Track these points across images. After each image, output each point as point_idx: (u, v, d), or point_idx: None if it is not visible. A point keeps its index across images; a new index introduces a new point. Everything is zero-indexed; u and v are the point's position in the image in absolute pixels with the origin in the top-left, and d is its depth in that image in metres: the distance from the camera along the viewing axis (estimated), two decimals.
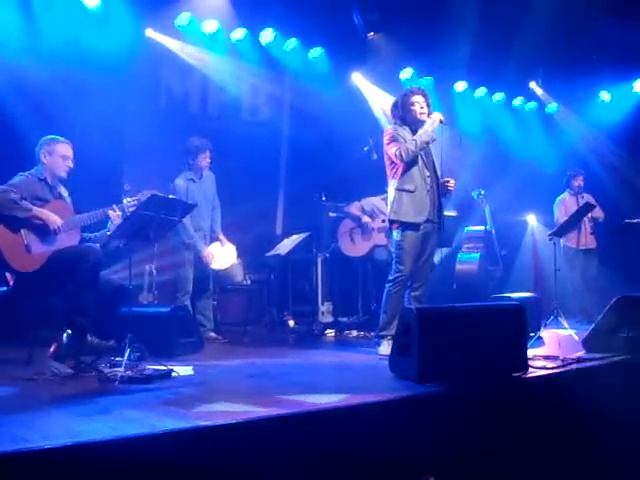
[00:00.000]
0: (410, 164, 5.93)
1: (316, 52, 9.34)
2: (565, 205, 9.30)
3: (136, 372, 4.57)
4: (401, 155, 5.86)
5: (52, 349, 4.91)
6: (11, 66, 6.73)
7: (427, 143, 5.96)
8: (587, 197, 9.11)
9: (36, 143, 5.50)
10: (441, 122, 5.99)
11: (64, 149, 5.48)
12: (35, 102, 6.76)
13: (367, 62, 9.74)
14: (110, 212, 5.43)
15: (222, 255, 7.34)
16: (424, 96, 6.12)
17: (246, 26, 8.66)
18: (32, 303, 5.30)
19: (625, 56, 9.90)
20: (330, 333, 7.91)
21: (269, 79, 9.26)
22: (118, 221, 5.38)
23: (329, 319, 8.36)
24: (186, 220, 6.53)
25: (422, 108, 6.05)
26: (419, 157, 5.97)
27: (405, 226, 5.91)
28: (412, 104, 6.06)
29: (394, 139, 5.97)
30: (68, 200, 5.56)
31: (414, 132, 6.00)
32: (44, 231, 5.17)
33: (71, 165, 5.50)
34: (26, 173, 5.36)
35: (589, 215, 8.87)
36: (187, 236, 7.07)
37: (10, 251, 5.04)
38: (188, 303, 7.05)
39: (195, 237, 7.11)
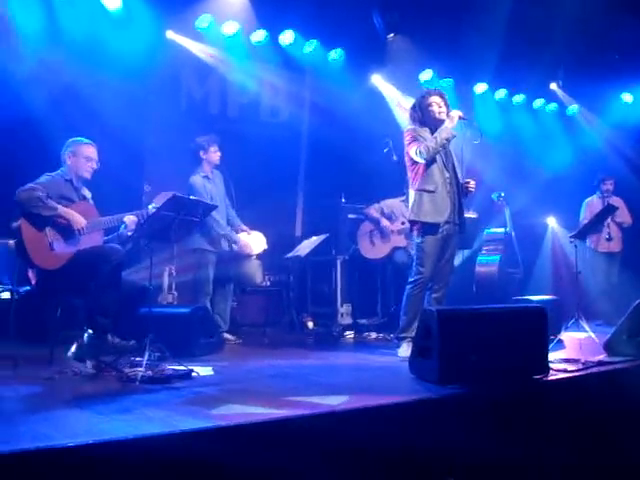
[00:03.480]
0: (430, 164, 5.92)
1: (336, 54, 9.35)
2: (591, 207, 9.29)
3: (156, 372, 4.59)
4: (422, 153, 5.85)
5: (73, 349, 4.94)
6: (34, 69, 6.81)
7: (448, 140, 5.94)
8: (615, 200, 9.05)
9: (61, 145, 5.56)
10: (460, 118, 5.98)
11: (88, 150, 5.54)
12: (59, 104, 6.84)
13: (387, 64, 9.71)
14: (126, 218, 5.48)
15: (255, 241, 7.38)
16: (441, 96, 6.12)
17: (266, 28, 8.67)
18: (54, 303, 5.34)
19: None
20: (349, 335, 7.91)
21: (289, 80, 9.26)
22: (132, 227, 5.43)
23: (348, 321, 8.36)
24: (215, 214, 6.64)
25: (440, 107, 6.05)
26: (439, 158, 5.96)
27: (426, 227, 5.90)
28: (430, 105, 6.06)
29: (415, 139, 5.96)
30: (91, 201, 5.61)
31: (434, 132, 5.99)
32: (68, 231, 5.22)
33: (95, 167, 5.57)
34: (53, 173, 5.43)
35: (613, 219, 8.83)
36: (220, 228, 7.10)
37: (34, 247, 5.09)
38: (208, 304, 7.06)
39: (228, 229, 7.16)
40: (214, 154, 7.27)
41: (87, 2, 7.28)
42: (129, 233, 5.50)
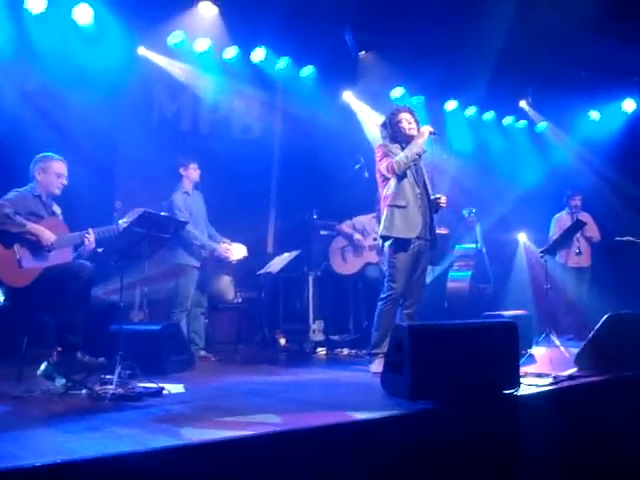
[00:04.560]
0: (401, 179, 5.96)
1: (307, 71, 9.38)
2: (560, 223, 9.41)
3: (127, 390, 4.55)
4: (393, 168, 5.89)
5: (43, 366, 4.88)
6: (3, 84, 6.73)
7: (418, 154, 6.00)
8: (583, 216, 9.16)
9: (30, 160, 5.51)
10: (431, 134, 6.05)
11: (58, 167, 5.51)
12: (28, 119, 6.77)
13: (358, 81, 9.75)
14: (86, 235, 5.43)
15: (236, 249, 7.44)
16: (411, 113, 6.20)
17: (238, 44, 8.67)
18: (23, 320, 5.28)
19: (613, 75, 9.98)
20: (321, 351, 7.91)
21: (260, 97, 9.28)
22: (93, 245, 5.39)
23: (320, 337, 8.34)
24: (191, 228, 6.85)
25: (410, 124, 6.12)
26: (410, 174, 6.01)
27: (398, 243, 5.93)
28: (400, 121, 6.13)
29: (386, 154, 6.01)
30: (61, 217, 5.56)
31: (405, 149, 6.03)
32: (37, 247, 5.17)
33: (65, 183, 5.53)
34: (21, 189, 5.38)
35: (582, 234, 8.94)
36: (197, 240, 7.15)
37: (2, 265, 5.04)
38: (184, 320, 7.05)
39: (201, 236, 7.20)
40: (194, 171, 7.37)
41: (58, 17, 7.20)
42: (88, 248, 5.45)
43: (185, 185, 7.33)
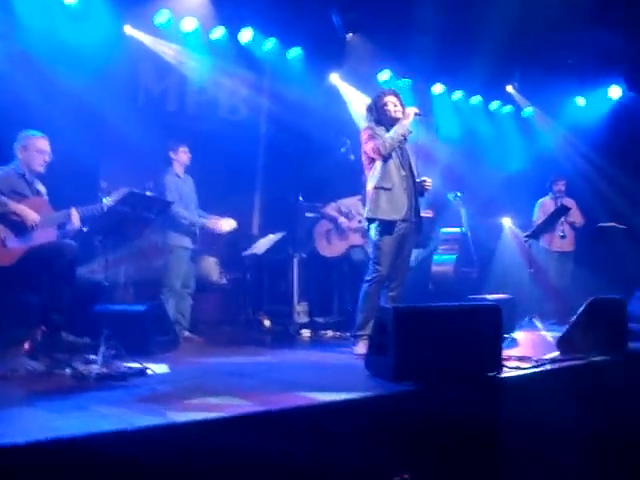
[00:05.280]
0: (387, 161, 5.97)
1: (294, 52, 9.35)
2: (544, 208, 9.47)
3: (111, 369, 4.55)
4: (379, 149, 5.91)
5: (26, 346, 4.87)
6: None
7: (404, 136, 6.04)
8: (567, 201, 9.23)
9: (13, 138, 5.48)
10: (416, 115, 6.08)
11: (40, 143, 5.48)
12: (12, 96, 6.70)
13: (345, 63, 9.74)
14: (72, 212, 5.40)
15: (225, 221, 7.47)
16: (396, 96, 6.23)
17: (225, 25, 8.64)
18: (6, 300, 5.25)
19: (600, 61, 10.01)
20: (306, 333, 7.92)
21: (247, 78, 9.22)
22: (78, 224, 5.37)
23: (305, 319, 8.36)
24: (179, 209, 6.96)
25: (396, 107, 6.14)
26: (395, 156, 6.03)
27: (383, 225, 5.94)
28: (385, 104, 6.15)
29: (372, 137, 6.03)
30: (45, 196, 5.53)
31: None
32: (21, 227, 5.15)
33: (47, 159, 5.50)
34: (4, 167, 5.34)
35: (566, 219, 8.99)
36: (185, 218, 7.19)
37: None
38: (171, 301, 7.06)
39: (189, 215, 7.24)
40: (183, 154, 7.41)
41: None
42: (73, 227, 5.43)
43: (176, 168, 7.36)
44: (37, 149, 5.45)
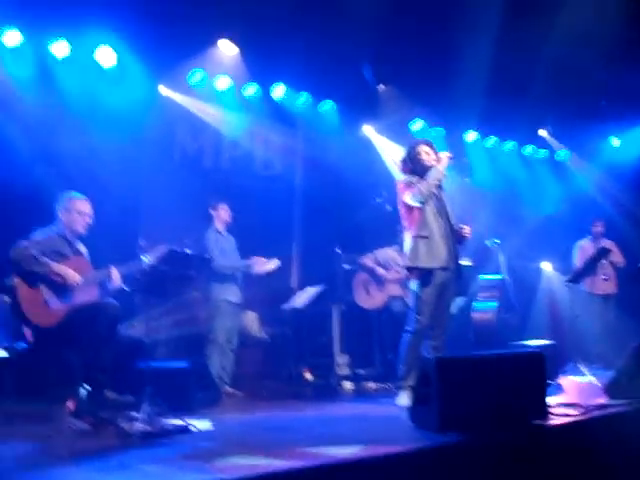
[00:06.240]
0: (424, 210, 5.98)
1: (326, 105, 9.46)
2: (582, 250, 9.38)
3: (154, 427, 4.54)
4: (415, 196, 5.93)
5: (70, 405, 4.90)
6: (30, 124, 6.84)
7: (439, 180, 6.07)
8: (606, 243, 9.11)
9: (55, 199, 5.58)
10: (450, 159, 6.11)
11: (81, 205, 5.56)
12: (54, 159, 6.87)
13: (378, 114, 9.82)
14: (112, 270, 5.46)
15: (268, 261, 7.50)
16: (429, 145, 6.28)
17: (257, 81, 8.79)
18: (50, 359, 5.30)
19: (633, 102, 9.98)
20: (348, 385, 7.85)
21: (281, 133, 9.34)
22: (118, 282, 5.41)
23: (346, 371, 8.28)
24: (216, 261, 7.03)
25: (429, 155, 6.18)
26: (432, 204, 6.02)
27: (423, 274, 5.92)
28: (419, 153, 6.19)
29: (408, 186, 6.05)
30: (86, 256, 5.60)
31: None
32: (63, 287, 5.21)
33: (89, 221, 5.57)
34: (45, 228, 5.44)
35: (608, 260, 8.87)
36: (228, 268, 7.29)
37: (29, 305, 5.09)
38: (215, 356, 7.06)
39: (230, 263, 7.34)
40: (223, 212, 7.54)
41: (83, 61, 7.36)
42: (113, 286, 5.47)
43: (216, 225, 7.48)
44: (78, 211, 5.53)
